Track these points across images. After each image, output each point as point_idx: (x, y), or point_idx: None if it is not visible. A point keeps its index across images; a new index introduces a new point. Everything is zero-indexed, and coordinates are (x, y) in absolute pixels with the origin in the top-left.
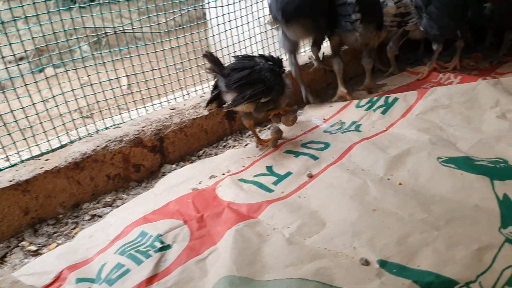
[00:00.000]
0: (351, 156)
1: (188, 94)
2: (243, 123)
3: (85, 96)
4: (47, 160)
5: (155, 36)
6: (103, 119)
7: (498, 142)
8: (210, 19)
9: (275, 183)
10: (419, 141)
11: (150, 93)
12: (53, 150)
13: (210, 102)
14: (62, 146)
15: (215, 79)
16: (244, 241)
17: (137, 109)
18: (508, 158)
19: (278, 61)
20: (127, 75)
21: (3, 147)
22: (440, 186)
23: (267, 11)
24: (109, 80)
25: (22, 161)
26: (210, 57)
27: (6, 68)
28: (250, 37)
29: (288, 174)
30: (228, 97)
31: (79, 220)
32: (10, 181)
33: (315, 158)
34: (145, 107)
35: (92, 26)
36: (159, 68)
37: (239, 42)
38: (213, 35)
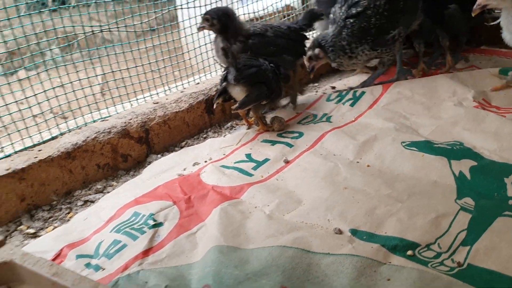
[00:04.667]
0: (323, 143)
1: (170, 89)
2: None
3: (65, 94)
4: (40, 150)
5: (131, 37)
6: (90, 112)
7: (454, 127)
8: (183, 21)
9: (254, 168)
10: (385, 128)
11: (134, 88)
12: (44, 142)
13: (218, 96)
14: (53, 138)
15: (224, 72)
16: (228, 217)
17: (122, 103)
18: (463, 141)
19: (277, 64)
20: (104, 73)
21: None
22: (403, 166)
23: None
24: (88, 78)
25: (15, 152)
26: (229, 50)
27: None
28: None
29: (266, 160)
30: (234, 91)
31: (72, 205)
32: (7, 169)
33: (290, 146)
34: (130, 101)
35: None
36: (136, 66)
37: (211, 42)
38: (186, 36)
